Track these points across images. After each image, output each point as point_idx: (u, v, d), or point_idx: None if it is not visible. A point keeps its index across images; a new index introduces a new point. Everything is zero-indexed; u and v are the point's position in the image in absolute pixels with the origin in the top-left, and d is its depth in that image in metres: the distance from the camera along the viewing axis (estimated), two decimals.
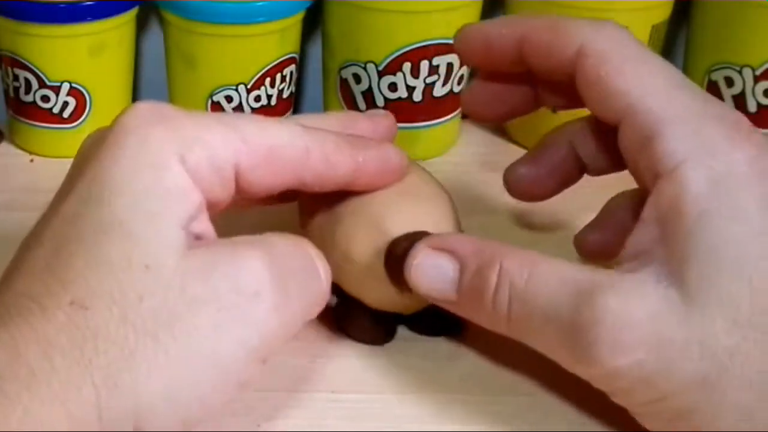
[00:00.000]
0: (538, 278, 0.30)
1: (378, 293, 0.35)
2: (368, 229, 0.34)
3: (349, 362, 0.36)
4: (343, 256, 0.35)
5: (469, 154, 0.51)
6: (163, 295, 0.27)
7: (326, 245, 0.35)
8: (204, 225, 0.29)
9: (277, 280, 0.28)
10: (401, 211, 0.35)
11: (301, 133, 0.31)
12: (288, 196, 0.36)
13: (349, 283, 0.36)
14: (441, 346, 0.37)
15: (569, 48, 0.32)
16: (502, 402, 0.34)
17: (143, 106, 0.30)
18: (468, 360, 0.36)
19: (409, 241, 0.33)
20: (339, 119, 0.35)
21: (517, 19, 0.36)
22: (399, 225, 0.34)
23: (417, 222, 0.34)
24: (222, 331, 0.27)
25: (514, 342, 0.37)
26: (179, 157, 0.29)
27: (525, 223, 0.45)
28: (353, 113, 0.39)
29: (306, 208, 0.38)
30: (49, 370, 0.25)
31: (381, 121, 0.37)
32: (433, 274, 0.32)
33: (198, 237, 0.29)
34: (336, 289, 0.36)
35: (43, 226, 0.29)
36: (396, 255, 0.33)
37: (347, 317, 0.37)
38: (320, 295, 0.31)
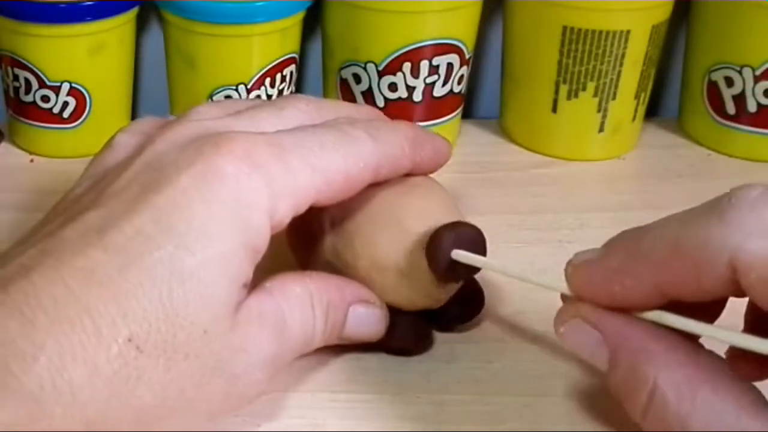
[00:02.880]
0: (700, 405, 0.27)
1: (412, 291, 0.35)
2: (390, 232, 0.34)
3: (349, 362, 0.36)
4: (372, 265, 0.35)
5: (469, 154, 0.51)
6: (204, 361, 0.28)
7: (347, 262, 0.35)
8: (253, 267, 0.30)
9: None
10: (415, 207, 0.35)
11: (374, 149, 0.32)
12: None
13: (383, 291, 0.35)
14: (439, 347, 0.37)
15: (717, 267, 0.26)
16: (499, 403, 0.34)
17: (235, 146, 0.29)
18: (466, 361, 0.36)
19: (453, 230, 0.34)
20: (368, 115, 0.37)
21: (634, 259, 0.28)
22: (419, 220, 0.34)
23: (433, 214, 0.35)
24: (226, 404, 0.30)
25: (511, 345, 0.37)
26: (269, 215, 0.29)
27: (525, 223, 0.45)
28: (422, 134, 0.37)
29: (302, 242, 0.37)
30: (89, 399, 0.26)
31: (444, 148, 0.37)
32: (583, 345, 0.30)
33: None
34: None
35: (110, 223, 0.28)
36: (441, 245, 0.33)
37: (388, 329, 0.36)
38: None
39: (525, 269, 0.33)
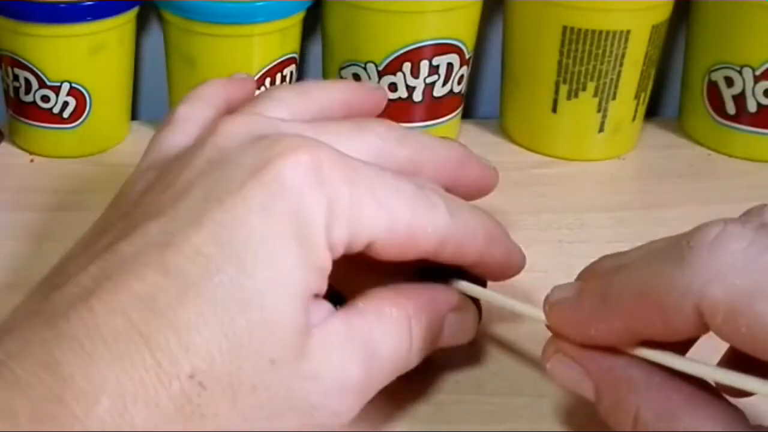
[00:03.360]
0: (681, 428, 0.27)
1: None
2: None
3: None
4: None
5: None
6: (274, 392, 0.26)
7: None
8: (324, 286, 0.28)
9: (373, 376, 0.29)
10: None
11: (447, 222, 0.30)
12: None
13: None
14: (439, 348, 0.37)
15: (684, 313, 0.26)
16: (499, 403, 0.34)
17: (305, 155, 0.27)
18: (466, 362, 0.36)
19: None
20: (457, 156, 0.34)
21: (604, 304, 0.28)
22: None
23: None
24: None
25: (511, 345, 0.37)
26: (327, 234, 0.27)
27: (525, 223, 0.45)
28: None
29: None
30: None
31: (491, 176, 0.36)
32: (569, 379, 0.30)
33: (316, 295, 0.28)
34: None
35: (170, 239, 0.26)
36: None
37: None
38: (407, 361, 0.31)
39: (514, 301, 0.32)
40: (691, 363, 0.28)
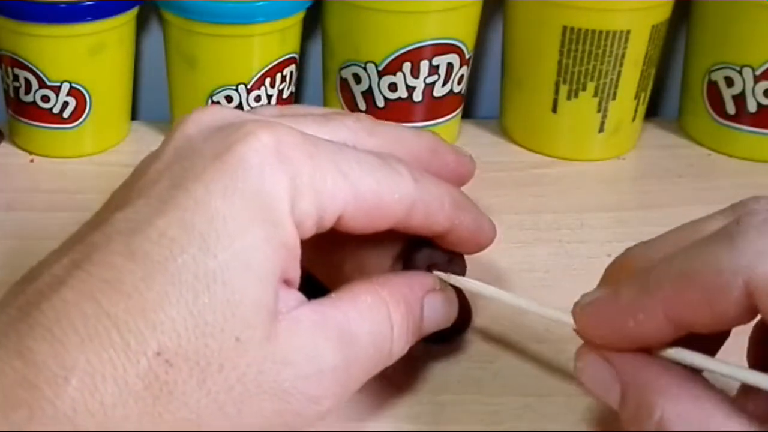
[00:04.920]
0: None
1: None
2: (379, 236, 0.34)
3: None
4: (357, 266, 0.34)
5: None
6: (242, 373, 0.26)
7: (332, 259, 0.34)
8: (293, 271, 0.28)
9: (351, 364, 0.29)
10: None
11: (412, 187, 0.30)
12: None
13: None
14: (439, 348, 0.37)
15: (731, 293, 0.26)
16: (499, 403, 0.34)
17: (265, 136, 0.28)
18: (466, 362, 0.36)
19: (430, 246, 0.33)
20: (429, 144, 0.34)
21: (645, 293, 0.28)
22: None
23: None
24: (280, 415, 0.27)
25: (511, 345, 0.37)
26: (291, 210, 0.27)
27: (525, 223, 0.45)
28: (441, 144, 0.36)
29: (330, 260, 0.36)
30: (122, 417, 0.25)
31: (466, 162, 0.36)
32: (598, 380, 0.30)
33: (287, 282, 0.28)
34: None
35: (136, 227, 0.27)
36: (416, 261, 0.33)
37: None
38: (388, 356, 0.30)
39: (538, 305, 0.32)
40: (723, 364, 0.28)
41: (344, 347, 0.28)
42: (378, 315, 0.30)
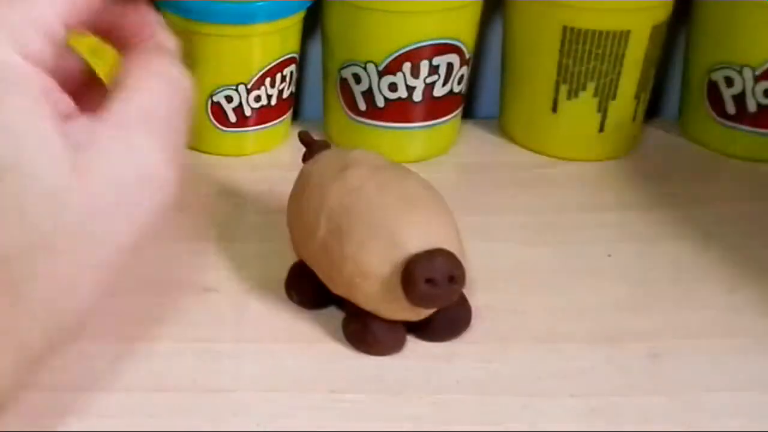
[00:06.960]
0: None
1: (392, 304, 0.35)
2: (381, 242, 0.34)
3: (349, 362, 0.36)
4: (357, 270, 0.35)
5: (469, 154, 0.51)
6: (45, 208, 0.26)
7: (334, 261, 0.35)
8: (67, 105, 0.28)
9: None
10: (414, 225, 0.35)
11: None
12: None
13: (365, 298, 0.35)
14: (439, 347, 0.37)
15: None
16: (499, 403, 0.34)
17: None
18: (466, 362, 0.36)
19: (429, 260, 0.33)
20: None
21: None
22: (414, 240, 0.34)
23: (430, 237, 0.34)
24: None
25: (511, 345, 0.37)
26: (13, 49, 0.27)
27: (525, 223, 0.45)
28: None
29: (299, 228, 0.38)
30: None
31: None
32: None
33: (68, 118, 0.28)
34: (346, 303, 0.36)
35: None
36: (415, 275, 0.33)
37: (362, 332, 0.36)
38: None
39: None
40: None
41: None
42: None
